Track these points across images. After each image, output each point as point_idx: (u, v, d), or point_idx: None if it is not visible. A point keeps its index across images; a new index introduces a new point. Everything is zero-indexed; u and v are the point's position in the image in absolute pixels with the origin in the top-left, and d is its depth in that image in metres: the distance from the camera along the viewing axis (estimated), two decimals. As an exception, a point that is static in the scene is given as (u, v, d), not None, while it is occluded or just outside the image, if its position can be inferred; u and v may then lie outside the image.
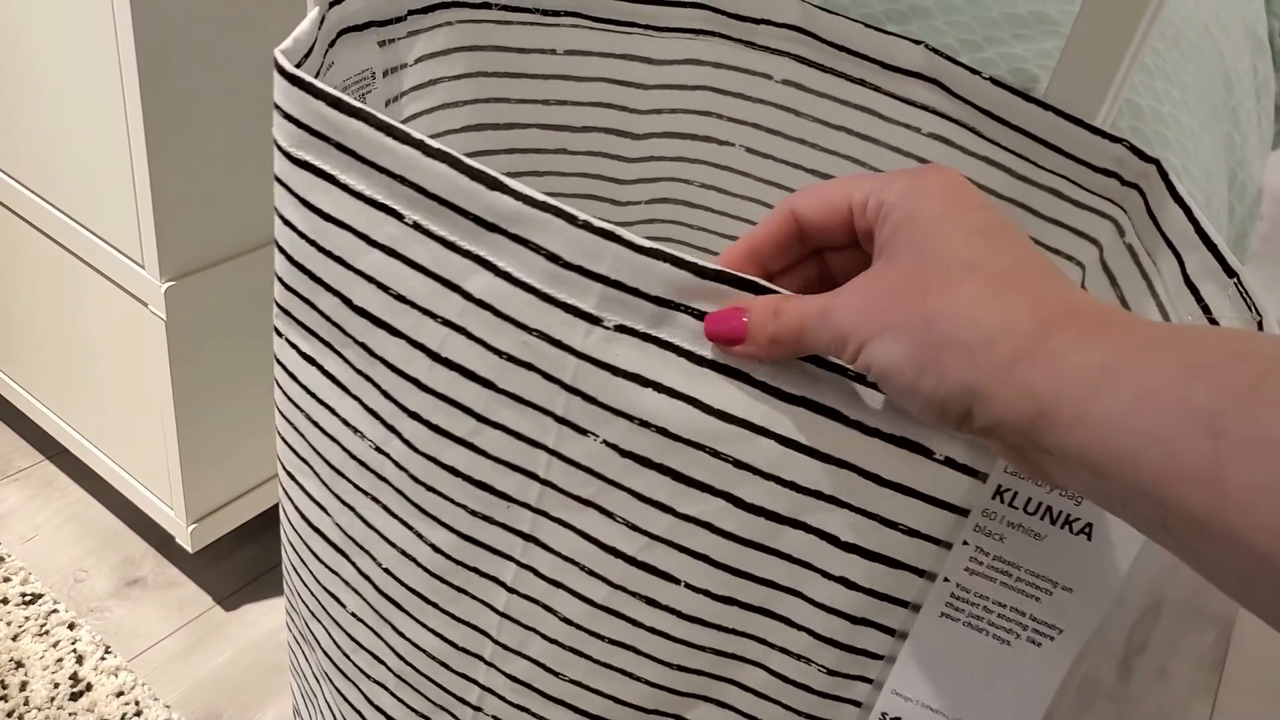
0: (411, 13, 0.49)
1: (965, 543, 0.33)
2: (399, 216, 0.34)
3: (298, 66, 0.37)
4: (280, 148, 0.37)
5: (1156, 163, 0.45)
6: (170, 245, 0.71)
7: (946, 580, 0.33)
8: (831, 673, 0.36)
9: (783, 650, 0.36)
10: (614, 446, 0.34)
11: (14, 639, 0.87)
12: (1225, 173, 0.81)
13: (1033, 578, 0.33)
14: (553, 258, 0.32)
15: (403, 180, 0.34)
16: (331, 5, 0.42)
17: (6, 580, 0.91)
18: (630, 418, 0.33)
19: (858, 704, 0.37)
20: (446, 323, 0.35)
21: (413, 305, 0.35)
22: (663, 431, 0.33)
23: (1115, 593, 0.32)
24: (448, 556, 0.39)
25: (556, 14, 0.53)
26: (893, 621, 0.35)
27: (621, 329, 0.32)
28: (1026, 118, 0.49)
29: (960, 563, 0.33)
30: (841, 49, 0.53)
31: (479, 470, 0.36)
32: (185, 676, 0.88)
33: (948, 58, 0.51)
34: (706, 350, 0.32)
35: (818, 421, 0.32)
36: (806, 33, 0.53)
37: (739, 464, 0.33)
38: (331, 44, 0.42)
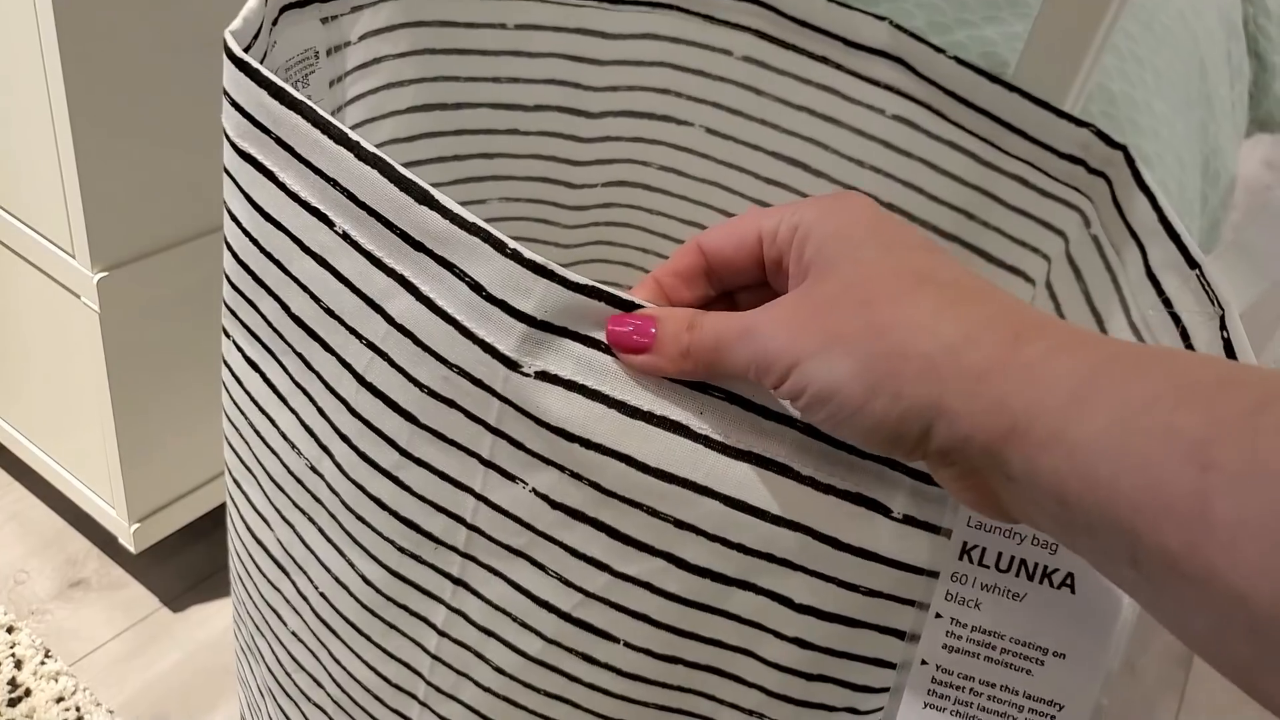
0: (354, -14, 0.46)
1: (939, 615, 0.30)
2: (330, 224, 0.32)
3: (247, 50, 0.34)
4: (228, 137, 0.35)
5: (1123, 149, 0.43)
6: (102, 234, 0.68)
7: (925, 663, 0.30)
8: None
9: (733, 706, 0.34)
10: (544, 497, 0.31)
11: (-52, 644, 0.83)
12: (1199, 160, 0.79)
13: (1019, 647, 0.30)
14: (476, 287, 0.29)
15: (334, 184, 0.31)
16: None
17: (-59, 583, 0.88)
18: (561, 468, 0.30)
19: None
20: (370, 345, 0.32)
21: (341, 322, 0.33)
22: (595, 486, 0.30)
23: (1111, 652, 0.29)
24: (378, 590, 0.37)
25: (506, -14, 0.51)
26: (851, 676, 0.33)
27: (543, 376, 0.29)
28: (991, 100, 0.47)
29: (937, 640, 0.30)
30: (803, 24, 0.51)
31: (404, 507, 0.34)
32: (130, 680, 0.85)
33: (912, 35, 0.49)
34: (643, 401, 0.29)
35: (766, 478, 0.29)
36: (767, 6, 0.51)
37: (680, 524, 0.30)
38: (274, 22, 0.40)
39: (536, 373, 0.29)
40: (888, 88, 0.50)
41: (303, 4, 0.42)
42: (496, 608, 0.34)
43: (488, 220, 0.30)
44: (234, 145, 0.34)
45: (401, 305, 0.31)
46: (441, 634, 0.36)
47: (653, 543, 0.31)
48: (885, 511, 0.29)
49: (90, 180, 0.65)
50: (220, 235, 0.75)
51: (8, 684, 0.81)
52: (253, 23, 0.36)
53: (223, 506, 0.88)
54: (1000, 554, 0.29)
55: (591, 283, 0.29)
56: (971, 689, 0.30)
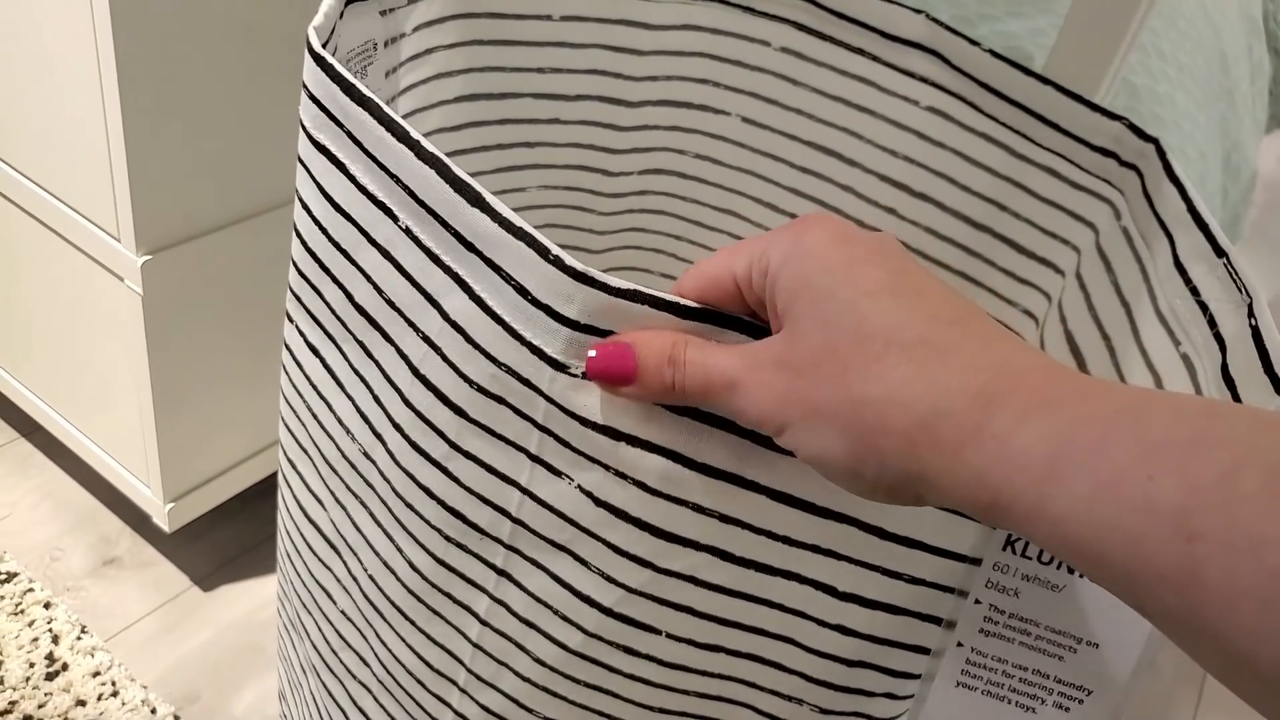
0: (412, -22, 0.47)
1: (978, 601, 0.31)
2: (394, 218, 0.33)
3: (324, 44, 0.35)
4: (304, 127, 0.36)
5: (1155, 142, 0.44)
6: (147, 218, 0.69)
7: (960, 645, 0.31)
8: (825, 712, 0.35)
9: (772, 692, 0.35)
10: (589, 494, 0.31)
11: (-13, 619, 0.85)
12: (1220, 154, 0.80)
13: (1053, 635, 0.31)
14: (522, 291, 0.29)
15: (397, 180, 0.32)
16: None
17: (-21, 559, 0.90)
18: (606, 467, 0.31)
19: None
20: (426, 339, 0.33)
21: (400, 313, 0.34)
22: (641, 485, 0.30)
23: (1144, 645, 0.30)
24: (423, 577, 0.37)
25: (552, -23, 0.52)
26: (891, 662, 0.33)
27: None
28: (1025, 92, 0.48)
29: (974, 624, 0.31)
30: (840, 16, 0.52)
31: (452, 497, 0.35)
32: (163, 657, 0.86)
33: (948, 28, 0.50)
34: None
35: (813, 471, 0.29)
36: (806, -1, 0.52)
37: (725, 519, 0.30)
38: (341, 15, 0.41)
39: (584, 374, 0.30)
40: (923, 79, 0.51)
41: (366, -4, 0.44)
42: (538, 600, 0.35)
43: (526, 208, 0.30)
44: (310, 136, 0.35)
45: (456, 302, 0.31)
46: (484, 623, 0.37)
47: (698, 538, 0.31)
48: None
49: (138, 164, 0.66)
50: (263, 219, 0.77)
51: (46, 658, 0.83)
52: (332, 18, 0.37)
53: (253, 488, 0.90)
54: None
55: (633, 286, 0.28)
56: (1004, 671, 0.31)
